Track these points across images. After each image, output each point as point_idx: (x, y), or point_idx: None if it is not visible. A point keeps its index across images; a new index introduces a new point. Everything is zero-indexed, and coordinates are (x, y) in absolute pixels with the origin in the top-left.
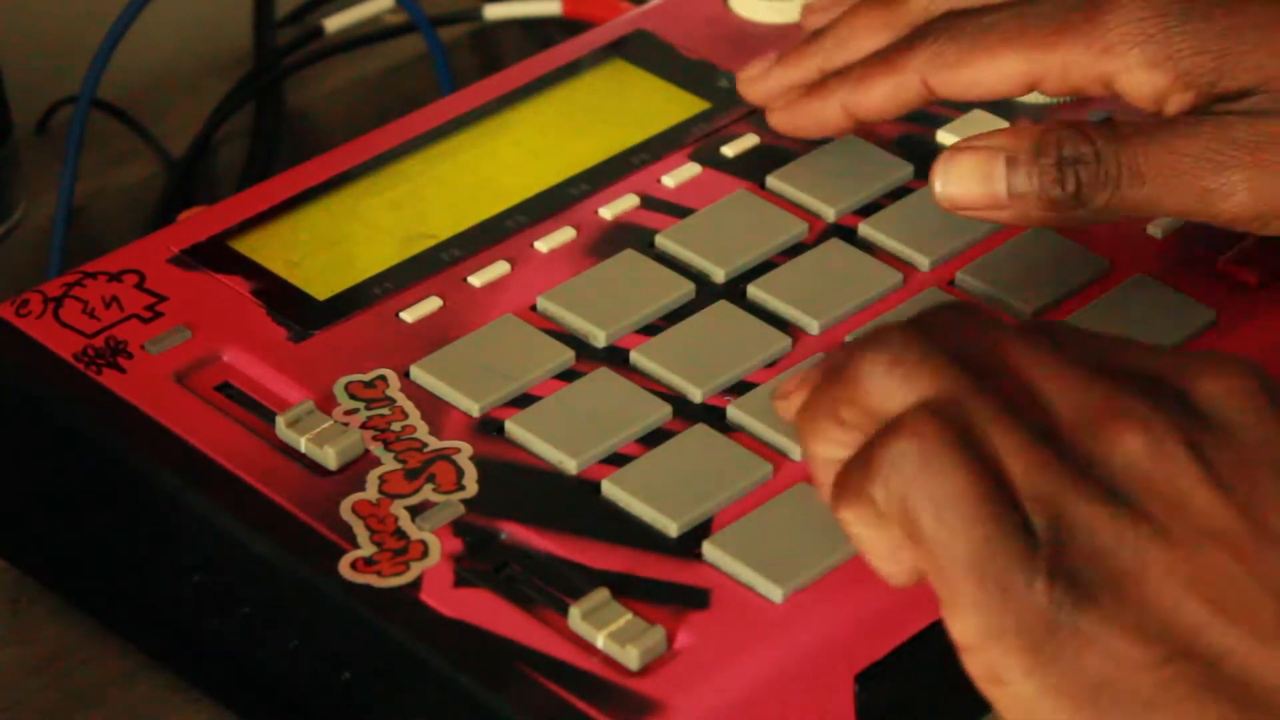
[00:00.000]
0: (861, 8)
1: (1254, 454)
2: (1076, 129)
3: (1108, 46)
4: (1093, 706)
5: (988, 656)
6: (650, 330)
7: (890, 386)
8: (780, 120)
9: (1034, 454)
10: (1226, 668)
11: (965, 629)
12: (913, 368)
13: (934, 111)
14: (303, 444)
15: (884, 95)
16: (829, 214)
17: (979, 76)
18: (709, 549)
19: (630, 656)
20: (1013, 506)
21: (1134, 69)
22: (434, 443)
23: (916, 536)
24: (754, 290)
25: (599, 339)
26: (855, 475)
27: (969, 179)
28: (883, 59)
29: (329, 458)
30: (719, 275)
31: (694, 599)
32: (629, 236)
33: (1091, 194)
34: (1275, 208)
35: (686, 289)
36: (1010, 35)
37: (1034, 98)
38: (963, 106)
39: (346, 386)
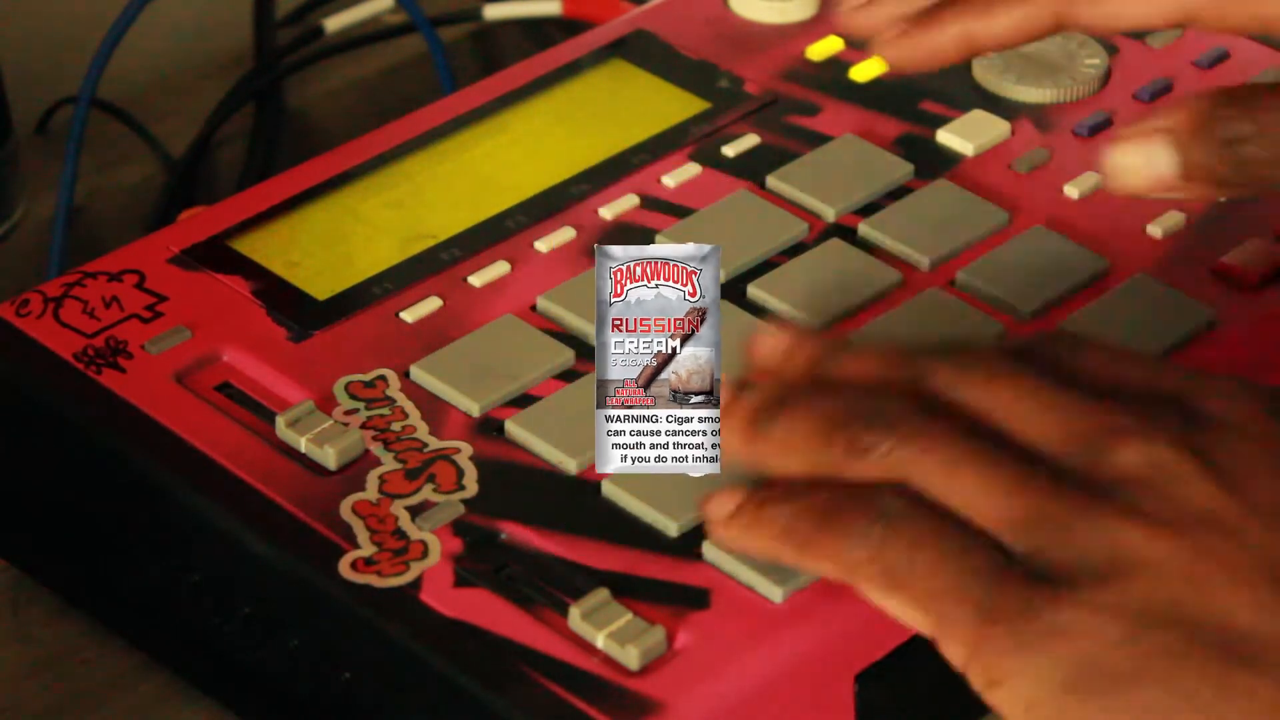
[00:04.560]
0: None
1: (1250, 447)
2: (1242, 102)
3: None
4: (1085, 688)
5: (981, 666)
6: None
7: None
8: (892, 53)
9: (1001, 483)
10: (1208, 630)
11: (954, 653)
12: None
13: (934, 111)
14: (303, 444)
15: (1012, 25)
16: (829, 214)
17: (1125, 8)
18: (709, 549)
19: (630, 656)
20: (980, 541)
21: None
22: (434, 443)
23: (894, 585)
24: (754, 290)
25: None
26: (823, 536)
27: (1135, 169)
28: None
29: (329, 458)
30: None
31: (694, 599)
32: (629, 237)
33: (1261, 170)
34: None
35: None
36: None
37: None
38: (964, 106)
39: (346, 386)
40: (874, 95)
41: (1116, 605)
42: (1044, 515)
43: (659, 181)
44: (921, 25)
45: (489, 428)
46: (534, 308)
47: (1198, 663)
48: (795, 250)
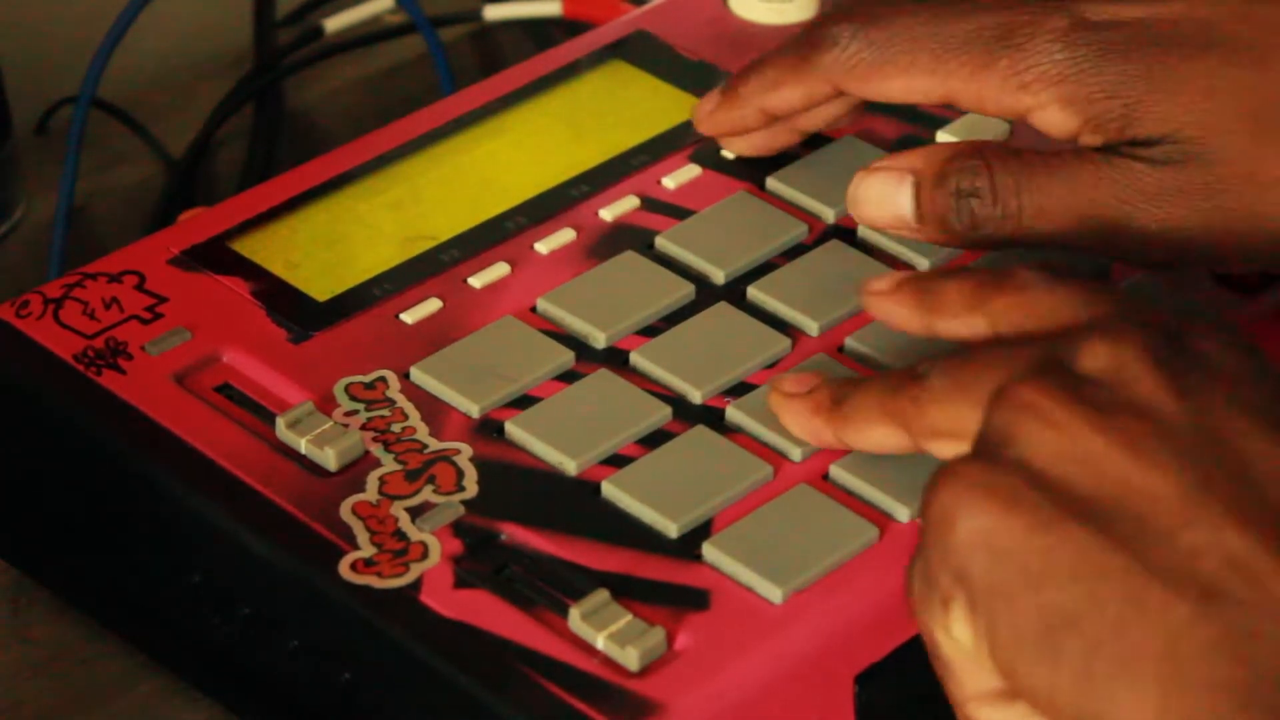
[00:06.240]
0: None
1: (1219, 380)
2: (980, 159)
3: (1024, 84)
4: (997, 588)
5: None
6: (650, 332)
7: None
8: (706, 127)
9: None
10: (1124, 529)
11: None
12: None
13: (934, 112)
14: (303, 445)
15: (796, 97)
16: (829, 215)
17: (890, 89)
18: (709, 550)
19: (630, 657)
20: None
21: (1047, 106)
22: (434, 444)
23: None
24: (754, 292)
25: (599, 340)
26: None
27: (878, 201)
28: (794, 63)
29: (329, 459)
30: (719, 277)
31: (694, 600)
32: (629, 238)
33: (987, 228)
34: (1182, 255)
35: (686, 290)
36: (926, 56)
37: None
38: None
39: (346, 388)
40: None
41: (1034, 495)
42: (1002, 394)
43: (659, 183)
44: (725, 103)
45: (489, 429)
46: (534, 309)
47: (1110, 566)
48: (795, 252)
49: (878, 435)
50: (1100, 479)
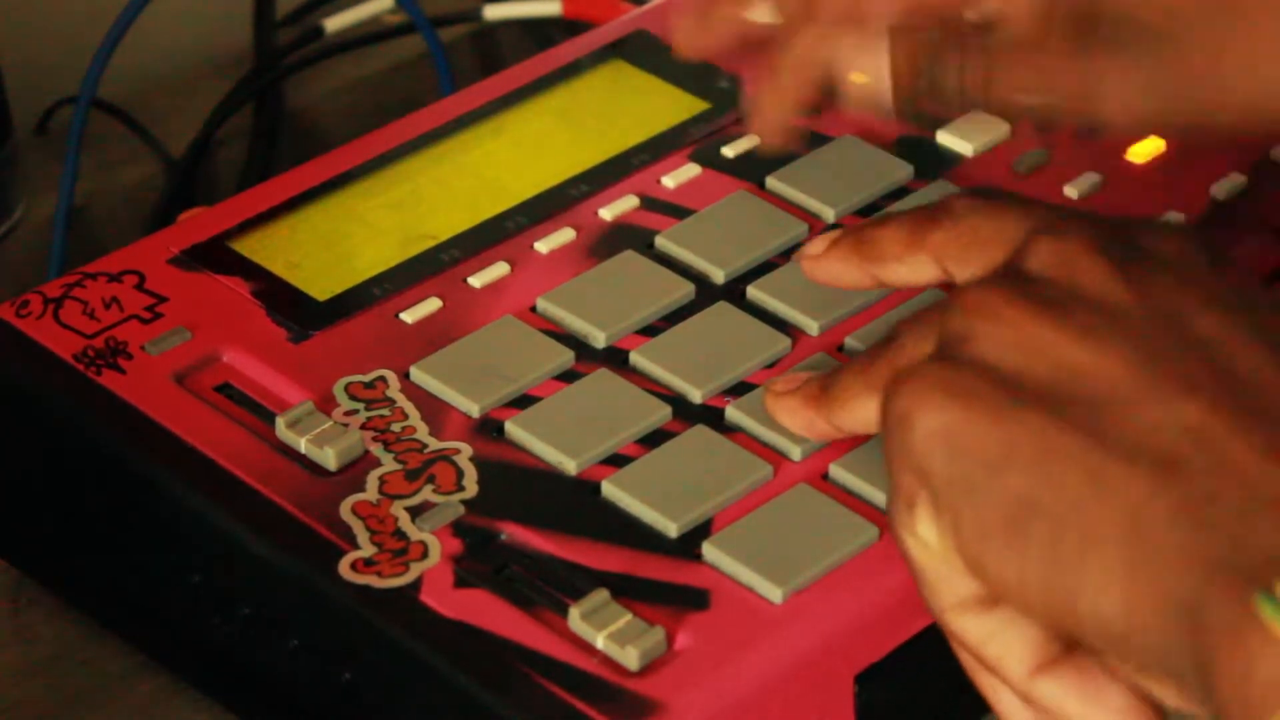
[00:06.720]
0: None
1: (1171, 268)
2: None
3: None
4: (959, 478)
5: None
6: (650, 331)
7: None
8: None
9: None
10: (1080, 410)
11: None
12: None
13: (934, 112)
14: (303, 445)
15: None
16: (829, 214)
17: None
18: (709, 550)
19: (630, 657)
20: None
21: None
22: (434, 443)
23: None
24: (754, 291)
25: (599, 340)
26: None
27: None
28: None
29: (329, 458)
30: (719, 276)
31: (694, 599)
32: (629, 237)
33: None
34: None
35: (686, 290)
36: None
37: None
38: None
39: (346, 387)
40: None
41: (989, 387)
42: (954, 300)
43: (659, 182)
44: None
45: (489, 428)
46: (534, 308)
47: (1068, 448)
48: (795, 251)
49: (867, 410)
50: (1054, 366)
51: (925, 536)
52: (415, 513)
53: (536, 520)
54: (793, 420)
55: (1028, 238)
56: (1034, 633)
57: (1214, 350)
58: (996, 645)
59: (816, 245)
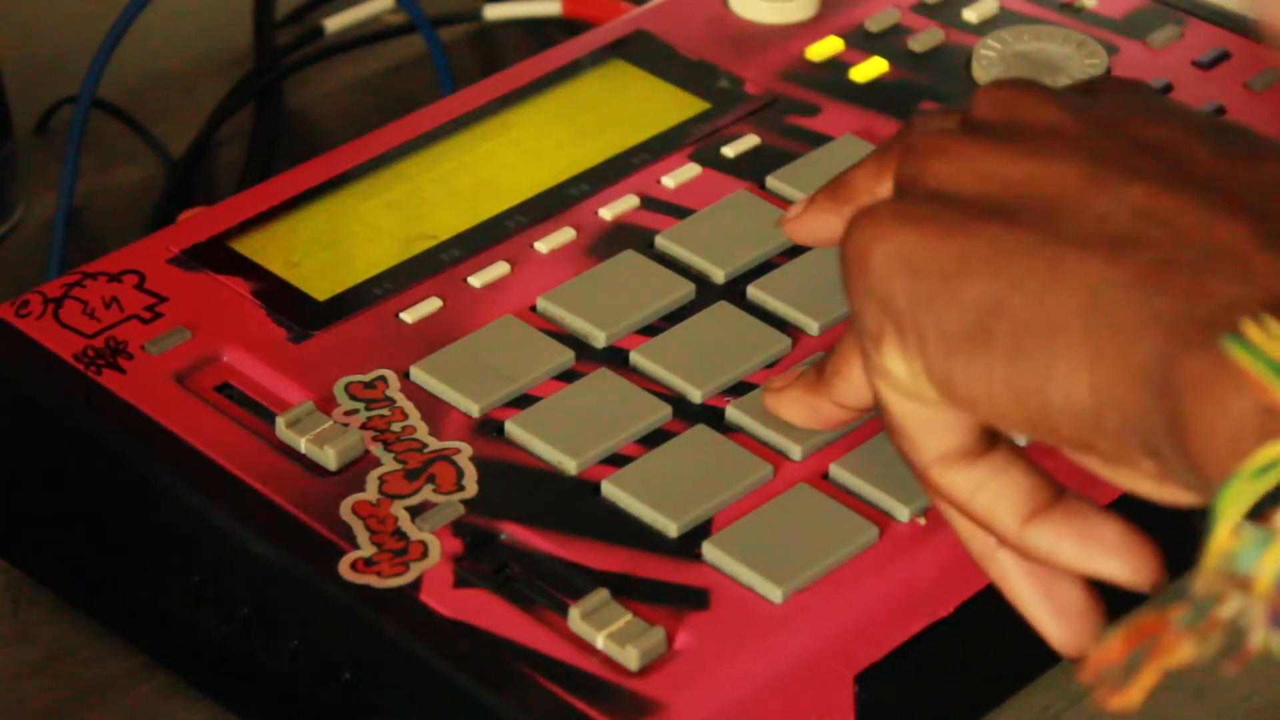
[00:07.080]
0: None
1: (1120, 105)
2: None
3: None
4: (919, 291)
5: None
6: (650, 331)
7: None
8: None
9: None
10: (1030, 215)
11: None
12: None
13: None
14: (303, 444)
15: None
16: None
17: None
18: (709, 549)
19: (630, 657)
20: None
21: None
22: (434, 443)
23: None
24: (754, 291)
25: (599, 339)
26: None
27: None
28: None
29: (329, 458)
30: (719, 276)
31: (694, 599)
32: (629, 237)
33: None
34: None
35: (686, 289)
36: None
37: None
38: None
39: (346, 387)
40: (874, 95)
41: (942, 209)
42: (906, 147)
43: (659, 182)
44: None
45: (489, 428)
46: (534, 308)
47: (1022, 246)
48: (795, 251)
49: (864, 376)
50: (1005, 183)
51: (895, 371)
52: (415, 512)
53: (536, 520)
54: (796, 410)
55: (974, 93)
56: (1023, 479)
57: (1160, 149)
58: (986, 496)
59: (795, 208)
